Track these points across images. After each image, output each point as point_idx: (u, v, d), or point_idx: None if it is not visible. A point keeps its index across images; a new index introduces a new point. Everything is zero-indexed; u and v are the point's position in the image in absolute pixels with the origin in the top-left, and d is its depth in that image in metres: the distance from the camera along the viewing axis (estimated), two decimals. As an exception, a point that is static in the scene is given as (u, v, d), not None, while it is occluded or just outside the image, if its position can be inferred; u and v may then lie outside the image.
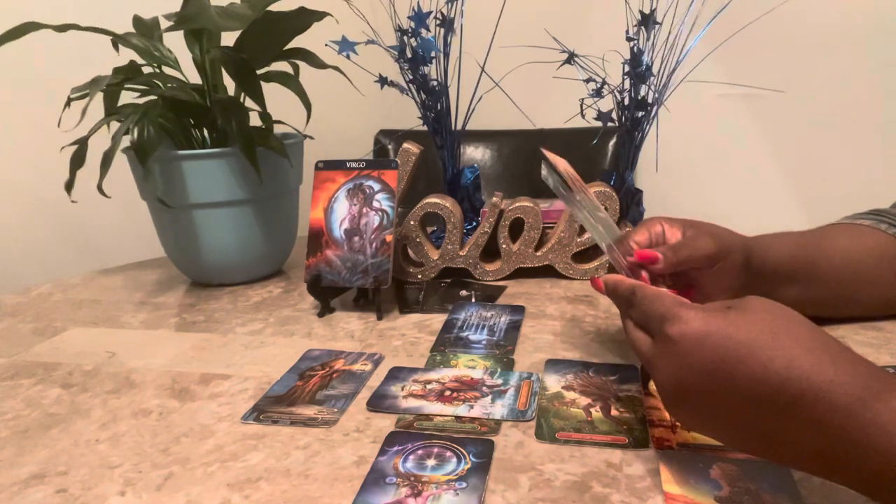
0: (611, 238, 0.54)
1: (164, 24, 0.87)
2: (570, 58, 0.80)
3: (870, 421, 0.33)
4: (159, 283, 0.92)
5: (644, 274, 0.53)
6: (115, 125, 0.80)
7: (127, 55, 0.83)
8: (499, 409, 0.52)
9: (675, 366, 0.39)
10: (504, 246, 0.83)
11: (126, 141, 0.78)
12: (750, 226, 0.59)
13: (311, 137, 0.94)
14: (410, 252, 0.85)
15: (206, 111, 0.85)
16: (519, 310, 0.74)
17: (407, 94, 0.85)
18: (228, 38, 0.83)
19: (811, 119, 1.57)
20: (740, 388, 0.36)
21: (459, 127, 0.88)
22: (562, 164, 0.58)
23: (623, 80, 0.80)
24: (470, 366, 0.60)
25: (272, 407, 0.54)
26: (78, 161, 0.75)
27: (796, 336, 0.36)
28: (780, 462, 0.37)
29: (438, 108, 0.86)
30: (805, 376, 0.35)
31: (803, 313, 0.63)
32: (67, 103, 0.78)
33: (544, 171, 0.56)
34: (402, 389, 0.56)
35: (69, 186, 0.75)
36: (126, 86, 0.82)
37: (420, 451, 0.47)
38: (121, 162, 0.80)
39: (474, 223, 0.88)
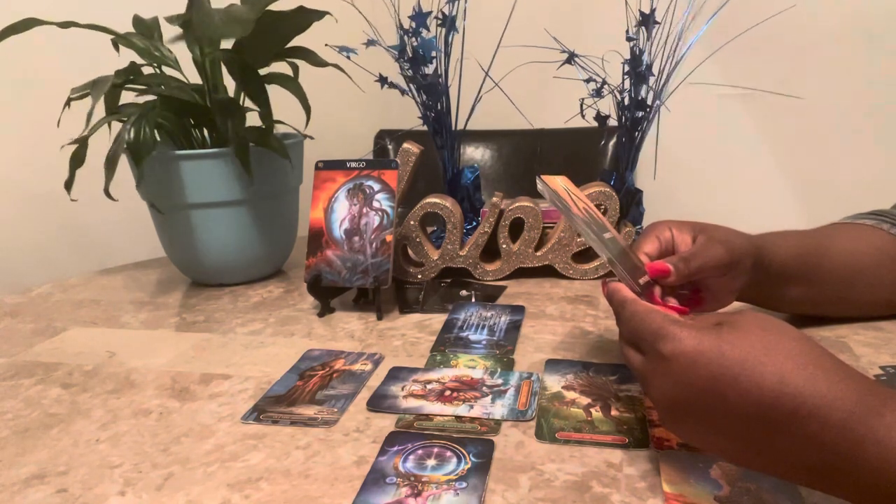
0: (617, 255, 0.52)
1: (165, 25, 0.87)
2: (571, 58, 0.80)
3: (864, 436, 0.33)
4: (159, 283, 0.92)
5: (656, 288, 0.52)
6: (115, 125, 0.80)
7: (127, 55, 0.83)
8: (499, 409, 0.52)
9: (670, 384, 0.40)
10: (504, 246, 0.83)
11: (127, 141, 0.78)
12: (750, 226, 0.59)
13: (311, 137, 0.94)
14: (410, 252, 0.85)
15: (206, 111, 0.85)
16: (519, 310, 0.74)
17: (407, 95, 0.85)
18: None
19: (811, 119, 1.57)
20: (734, 405, 0.36)
21: (459, 127, 0.88)
22: (561, 181, 0.58)
23: (623, 80, 0.80)
24: (470, 366, 0.60)
25: (272, 407, 0.54)
26: (78, 160, 0.75)
27: (789, 352, 0.36)
28: (778, 475, 0.38)
29: (438, 108, 0.86)
30: (798, 392, 0.35)
31: (806, 313, 0.64)
32: (67, 103, 0.78)
33: (539, 186, 0.55)
34: (403, 389, 0.56)
35: (69, 185, 0.75)
36: (126, 86, 0.82)
37: (420, 451, 0.47)
38: (121, 162, 0.80)
39: (474, 223, 0.88)
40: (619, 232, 0.83)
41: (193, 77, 0.86)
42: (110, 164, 0.73)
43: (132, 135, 0.76)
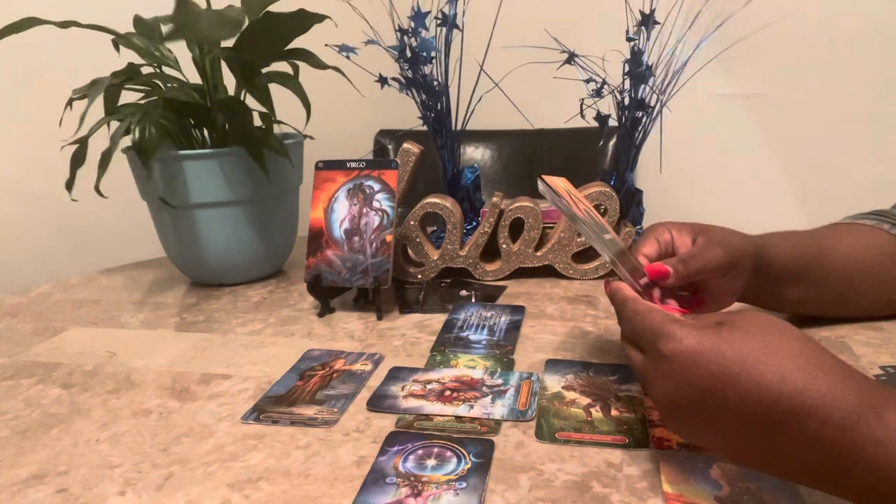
0: (617, 256, 0.53)
1: (164, 27, 0.87)
2: (571, 58, 0.80)
3: (864, 436, 0.33)
4: (159, 283, 0.92)
5: (656, 290, 0.52)
6: (114, 125, 0.80)
7: (127, 55, 0.83)
8: (499, 409, 0.52)
9: (670, 383, 0.40)
10: (504, 246, 0.83)
11: (126, 141, 0.78)
12: (750, 226, 0.59)
13: (311, 137, 0.94)
14: (410, 252, 0.85)
15: (206, 111, 0.85)
16: (519, 310, 0.74)
17: (407, 93, 0.85)
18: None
19: (812, 119, 1.57)
20: (734, 404, 0.36)
21: (459, 127, 0.88)
22: (562, 182, 0.58)
23: (623, 80, 0.80)
24: (470, 366, 0.60)
25: (272, 407, 0.54)
26: (78, 160, 0.75)
27: (788, 352, 0.36)
28: (778, 475, 0.38)
29: (438, 108, 0.86)
30: (797, 392, 0.35)
31: (806, 313, 0.64)
32: (69, 104, 0.78)
33: (541, 187, 0.56)
34: (402, 389, 0.56)
35: (69, 185, 0.75)
36: (126, 86, 0.82)
37: (420, 451, 0.47)
38: (121, 162, 0.80)
39: (474, 223, 0.88)
40: (618, 233, 0.83)
41: (193, 77, 0.86)
42: (103, 162, 0.73)
43: (137, 134, 0.76)
